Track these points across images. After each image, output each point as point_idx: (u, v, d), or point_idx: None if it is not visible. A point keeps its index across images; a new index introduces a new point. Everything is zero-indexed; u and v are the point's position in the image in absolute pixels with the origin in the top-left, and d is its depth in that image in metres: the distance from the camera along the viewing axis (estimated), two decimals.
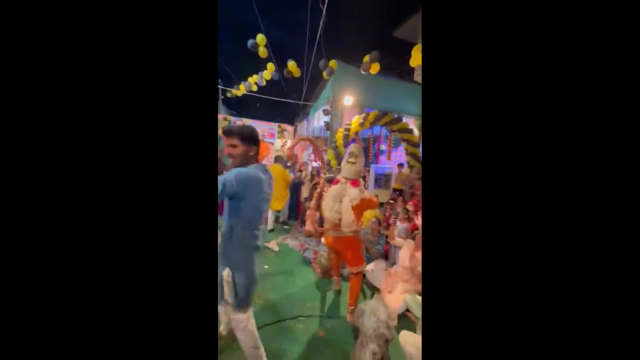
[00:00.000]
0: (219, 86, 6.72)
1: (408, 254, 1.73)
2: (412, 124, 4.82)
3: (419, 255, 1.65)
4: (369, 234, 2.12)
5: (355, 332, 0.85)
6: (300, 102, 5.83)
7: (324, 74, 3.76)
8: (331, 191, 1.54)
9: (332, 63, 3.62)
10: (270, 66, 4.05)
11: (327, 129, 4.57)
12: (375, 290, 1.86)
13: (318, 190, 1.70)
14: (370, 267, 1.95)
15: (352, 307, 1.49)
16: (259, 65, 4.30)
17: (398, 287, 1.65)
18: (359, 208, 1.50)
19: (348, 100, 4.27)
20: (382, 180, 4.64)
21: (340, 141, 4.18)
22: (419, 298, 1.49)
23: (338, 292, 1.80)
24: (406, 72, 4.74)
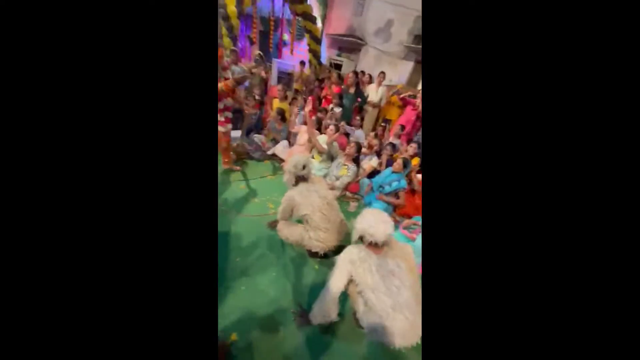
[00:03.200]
0: None
1: (305, 136, 2.34)
2: (316, 10, 4.38)
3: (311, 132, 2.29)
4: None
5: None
6: None
7: None
8: None
9: None
10: None
11: None
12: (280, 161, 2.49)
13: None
14: (277, 147, 2.47)
15: None
16: None
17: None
18: None
19: None
20: (284, 79, 4.51)
21: (232, 7, 3.14)
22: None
23: None
24: None
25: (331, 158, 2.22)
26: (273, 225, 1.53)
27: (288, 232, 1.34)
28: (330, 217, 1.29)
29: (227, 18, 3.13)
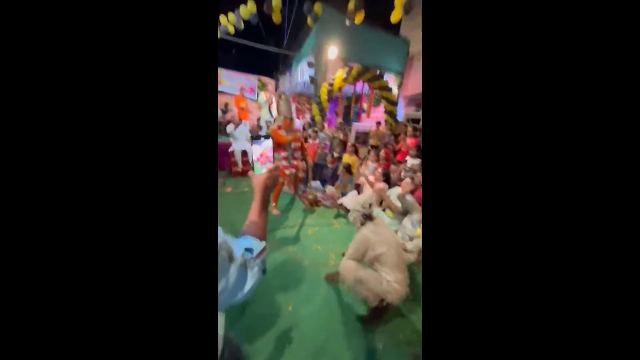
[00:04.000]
0: None
1: (368, 190, 2.33)
2: (392, 82, 5.02)
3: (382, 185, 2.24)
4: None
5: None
6: (282, 51, 5.44)
7: (308, 20, 3.57)
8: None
9: (317, 7, 3.42)
10: (251, 4, 3.64)
11: (312, 83, 4.57)
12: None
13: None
14: (344, 198, 2.58)
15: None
16: (235, 4, 3.82)
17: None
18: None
19: (332, 52, 4.20)
20: (361, 138, 5.09)
21: (324, 97, 4.30)
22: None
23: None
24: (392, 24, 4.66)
25: (405, 213, 1.91)
26: (332, 278, 1.45)
27: (364, 274, 1.15)
28: (403, 259, 1.13)
29: (319, 102, 4.28)
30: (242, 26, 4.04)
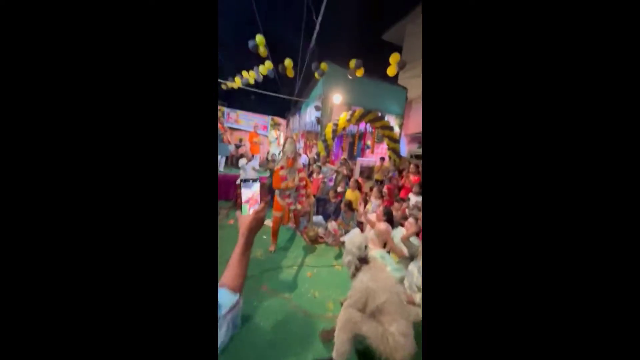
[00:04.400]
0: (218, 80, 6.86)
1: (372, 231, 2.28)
2: (393, 121, 5.41)
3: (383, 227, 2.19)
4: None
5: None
6: (293, 98, 6.22)
7: (316, 75, 4.18)
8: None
9: (323, 66, 4.05)
10: (268, 64, 4.40)
11: (318, 124, 5.04)
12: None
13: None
14: (346, 235, 2.51)
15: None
16: (256, 62, 4.63)
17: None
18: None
19: (337, 98, 4.76)
20: (365, 172, 5.23)
21: (329, 135, 4.66)
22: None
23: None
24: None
25: (411, 258, 1.68)
26: (328, 337, 1.21)
27: (366, 329, 1.02)
28: (406, 305, 1.01)
29: (325, 140, 4.61)
30: (261, 79, 4.78)
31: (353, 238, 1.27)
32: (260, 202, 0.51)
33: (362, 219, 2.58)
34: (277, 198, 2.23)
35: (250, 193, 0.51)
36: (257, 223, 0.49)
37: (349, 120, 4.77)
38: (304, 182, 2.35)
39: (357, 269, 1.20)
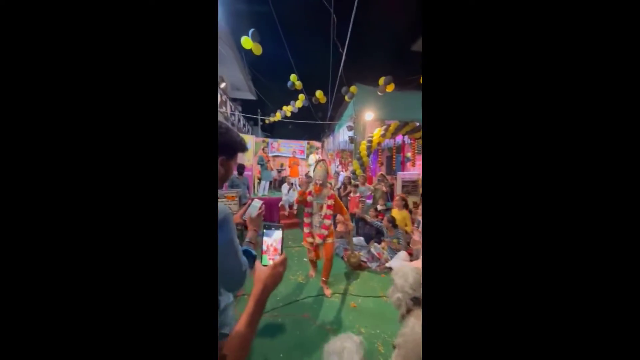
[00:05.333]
0: (258, 116, 8.07)
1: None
2: None
3: None
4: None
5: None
6: (326, 122, 6.59)
7: (346, 98, 4.38)
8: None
9: (353, 89, 4.23)
10: (301, 97, 4.92)
11: (351, 143, 5.10)
12: None
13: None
14: (393, 260, 2.28)
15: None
16: (291, 96, 5.26)
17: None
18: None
19: (369, 115, 4.77)
20: (409, 187, 4.80)
21: (364, 152, 4.61)
22: None
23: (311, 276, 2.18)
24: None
25: None
26: None
27: None
28: None
29: (360, 158, 4.58)
30: (297, 110, 5.36)
31: (406, 273, 1.04)
32: (281, 252, 0.45)
33: (415, 245, 2.30)
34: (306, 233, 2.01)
35: (270, 241, 0.44)
36: (273, 279, 0.42)
37: (383, 135, 4.64)
38: (333, 200, 2.03)
39: (409, 311, 0.99)
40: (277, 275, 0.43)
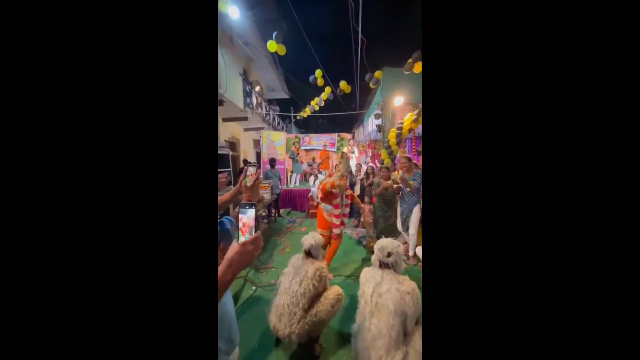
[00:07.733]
0: (291, 114, 8.61)
1: None
2: None
3: None
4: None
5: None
6: (355, 112, 6.48)
7: (370, 85, 4.24)
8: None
9: (377, 74, 4.05)
10: (327, 89, 5.03)
11: (379, 131, 4.89)
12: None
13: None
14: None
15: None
16: (318, 91, 5.42)
17: None
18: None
19: (398, 100, 4.46)
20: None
21: (392, 140, 4.36)
22: None
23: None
24: None
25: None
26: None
27: None
28: None
29: (388, 147, 4.37)
30: (323, 104, 5.50)
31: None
32: (255, 231, 0.44)
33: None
34: (322, 210, 1.94)
35: (245, 219, 0.44)
36: (240, 257, 0.40)
37: (415, 120, 4.26)
38: (353, 197, 2.07)
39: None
40: (244, 254, 0.42)
